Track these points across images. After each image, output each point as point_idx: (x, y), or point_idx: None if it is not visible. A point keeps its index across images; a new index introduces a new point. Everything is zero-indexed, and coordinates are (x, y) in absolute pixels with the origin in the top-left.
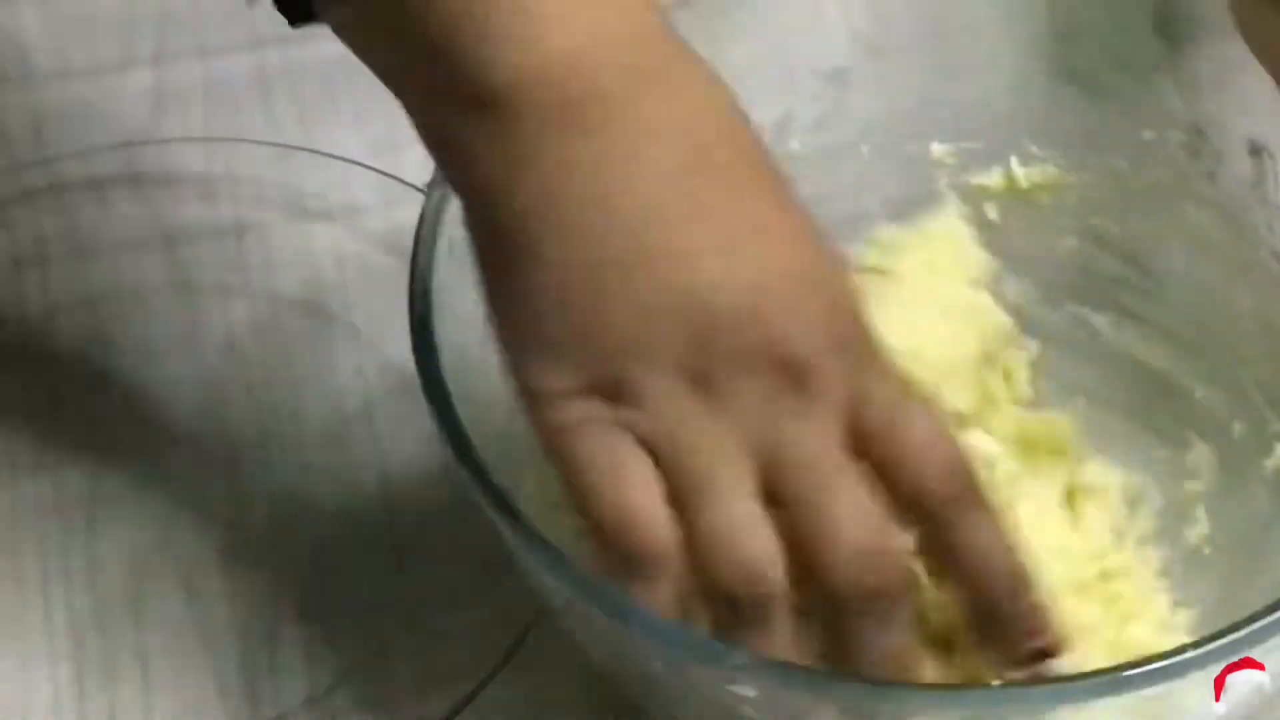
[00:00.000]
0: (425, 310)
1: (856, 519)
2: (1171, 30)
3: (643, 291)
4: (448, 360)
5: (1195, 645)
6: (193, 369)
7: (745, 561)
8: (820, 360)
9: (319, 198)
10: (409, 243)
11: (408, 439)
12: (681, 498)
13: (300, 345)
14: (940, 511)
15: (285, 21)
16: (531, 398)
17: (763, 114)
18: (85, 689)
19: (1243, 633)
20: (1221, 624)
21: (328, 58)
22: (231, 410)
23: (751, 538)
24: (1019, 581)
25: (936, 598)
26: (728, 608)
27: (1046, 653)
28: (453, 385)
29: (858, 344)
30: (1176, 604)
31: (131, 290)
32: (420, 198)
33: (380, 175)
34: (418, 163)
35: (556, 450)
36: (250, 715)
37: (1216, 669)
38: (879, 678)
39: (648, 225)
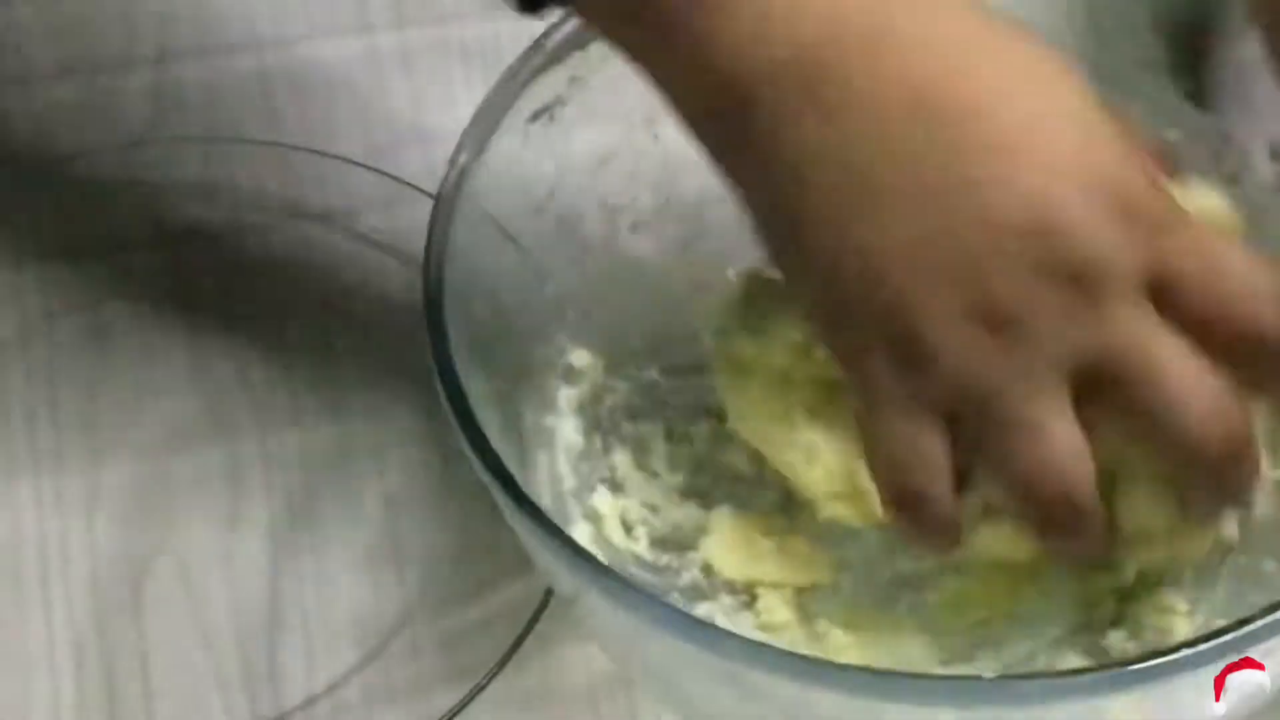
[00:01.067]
0: (438, 294)
1: (1195, 384)
2: (1195, 33)
3: (911, 234)
4: (460, 349)
5: (1194, 643)
6: (192, 369)
7: (1066, 497)
8: (1112, 251)
9: (319, 198)
10: (409, 243)
11: (408, 438)
12: (989, 449)
13: (299, 346)
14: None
15: (285, 22)
16: (844, 369)
17: None
18: (85, 689)
19: (1242, 631)
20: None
21: (328, 58)
22: (231, 410)
23: (1065, 472)
24: None
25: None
26: (1044, 521)
27: None
28: (462, 370)
29: (1146, 211)
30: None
31: (131, 292)
32: (420, 197)
33: (380, 175)
34: (417, 163)
35: (862, 431)
36: (250, 715)
37: (1216, 668)
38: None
39: (894, 167)
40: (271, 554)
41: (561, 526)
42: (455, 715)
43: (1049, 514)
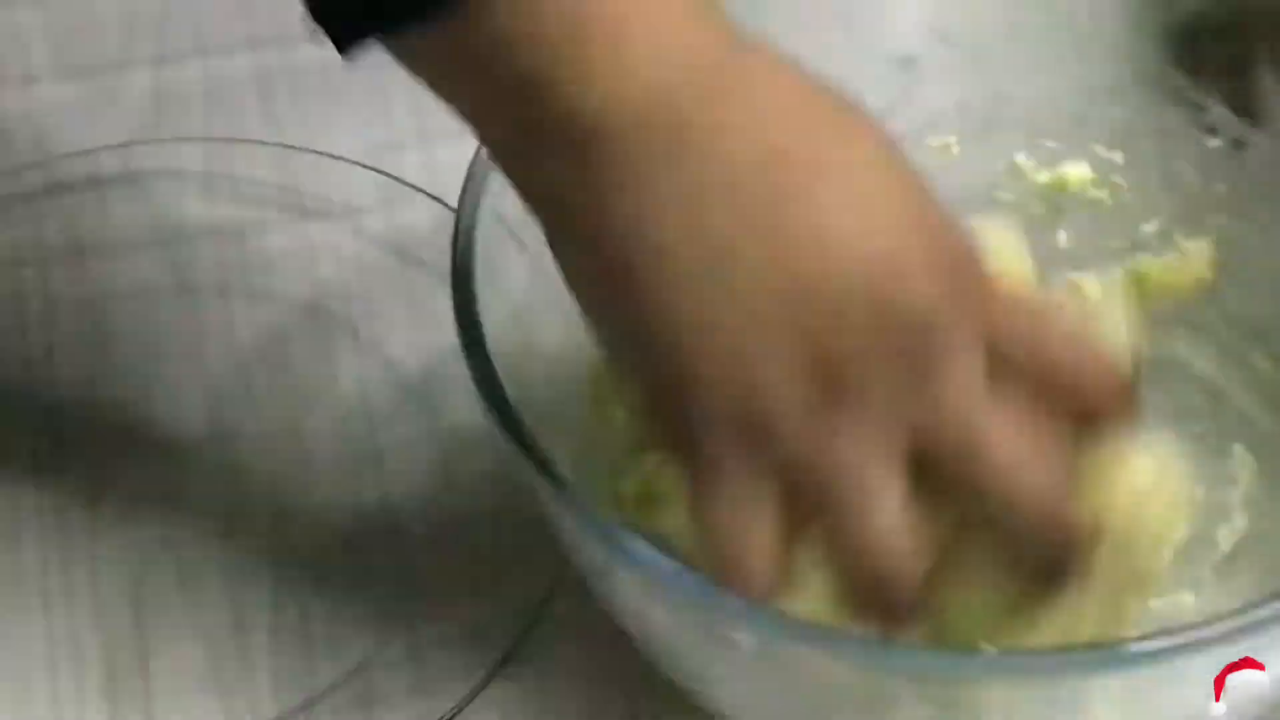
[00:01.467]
0: (467, 266)
1: (1022, 457)
2: (1223, 41)
3: (746, 302)
4: (493, 337)
5: (1196, 626)
6: (192, 369)
7: (883, 580)
8: (947, 318)
9: (319, 198)
10: (409, 242)
11: (407, 437)
12: (821, 520)
13: (300, 345)
14: (1107, 421)
15: (284, 22)
16: (673, 444)
17: None
18: (85, 690)
19: (1246, 619)
20: None
21: (328, 58)
22: (231, 410)
23: (887, 555)
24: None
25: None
26: (860, 598)
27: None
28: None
29: (976, 284)
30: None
31: (131, 290)
32: (420, 197)
33: (380, 175)
34: (418, 163)
35: (694, 502)
36: (251, 715)
37: (1217, 658)
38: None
39: (736, 238)
40: (271, 553)
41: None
42: (455, 715)
43: (865, 593)
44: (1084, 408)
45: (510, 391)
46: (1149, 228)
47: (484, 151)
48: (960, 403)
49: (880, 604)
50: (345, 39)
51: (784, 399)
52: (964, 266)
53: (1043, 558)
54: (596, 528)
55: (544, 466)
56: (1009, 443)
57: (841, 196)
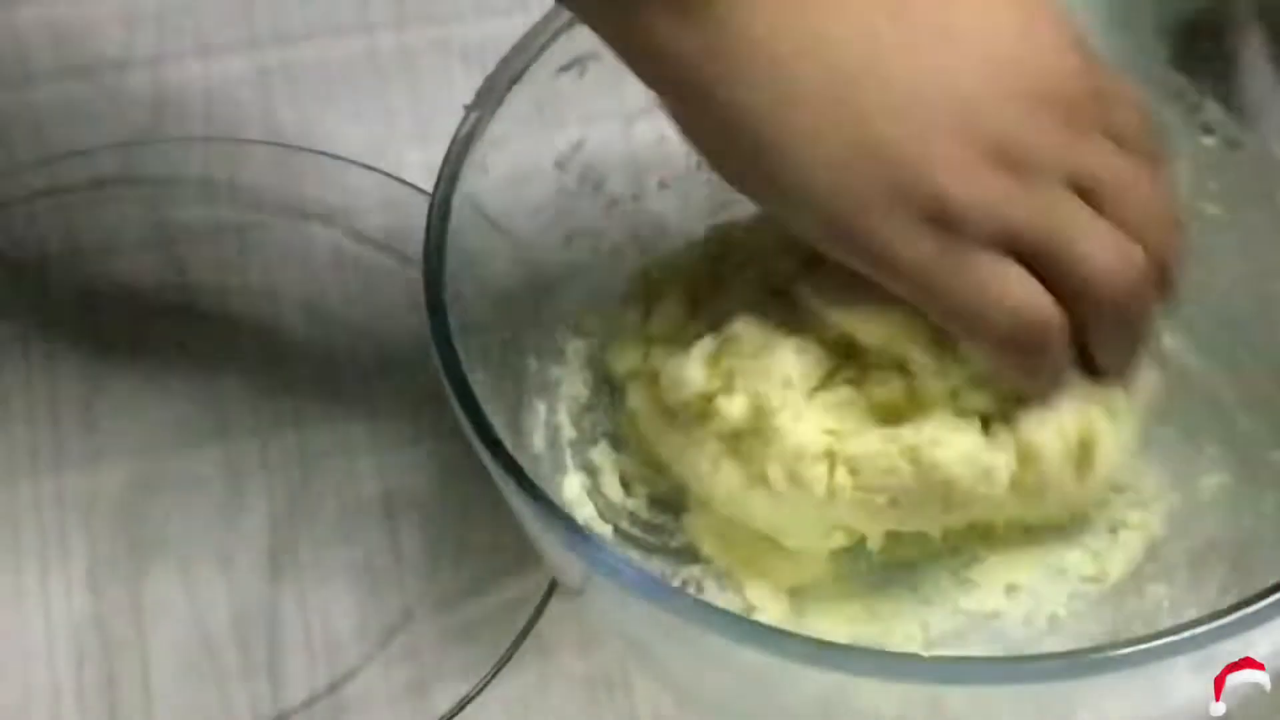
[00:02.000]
0: (438, 279)
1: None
2: (1220, 40)
3: (905, 92)
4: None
5: (1179, 629)
6: (192, 369)
7: (1140, 278)
8: (1083, 97)
9: (318, 198)
10: (407, 242)
11: (407, 438)
12: (1063, 261)
13: (299, 344)
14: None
15: (285, 22)
16: (859, 242)
17: None
18: (85, 690)
19: (1228, 619)
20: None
21: (328, 58)
22: (231, 411)
23: (1133, 257)
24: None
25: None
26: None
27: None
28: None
29: (1105, 84)
30: (1175, 602)
31: (131, 290)
32: (419, 197)
33: (379, 175)
34: (417, 163)
35: (923, 288)
36: (251, 715)
37: (1200, 656)
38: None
39: (879, 35)
40: (271, 554)
41: (553, 474)
42: (455, 715)
43: (1132, 299)
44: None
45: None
46: None
47: (455, 147)
48: (1104, 159)
49: (1139, 307)
50: None
51: (961, 177)
52: (1095, 72)
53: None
54: (549, 518)
55: (512, 466)
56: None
57: (988, 16)
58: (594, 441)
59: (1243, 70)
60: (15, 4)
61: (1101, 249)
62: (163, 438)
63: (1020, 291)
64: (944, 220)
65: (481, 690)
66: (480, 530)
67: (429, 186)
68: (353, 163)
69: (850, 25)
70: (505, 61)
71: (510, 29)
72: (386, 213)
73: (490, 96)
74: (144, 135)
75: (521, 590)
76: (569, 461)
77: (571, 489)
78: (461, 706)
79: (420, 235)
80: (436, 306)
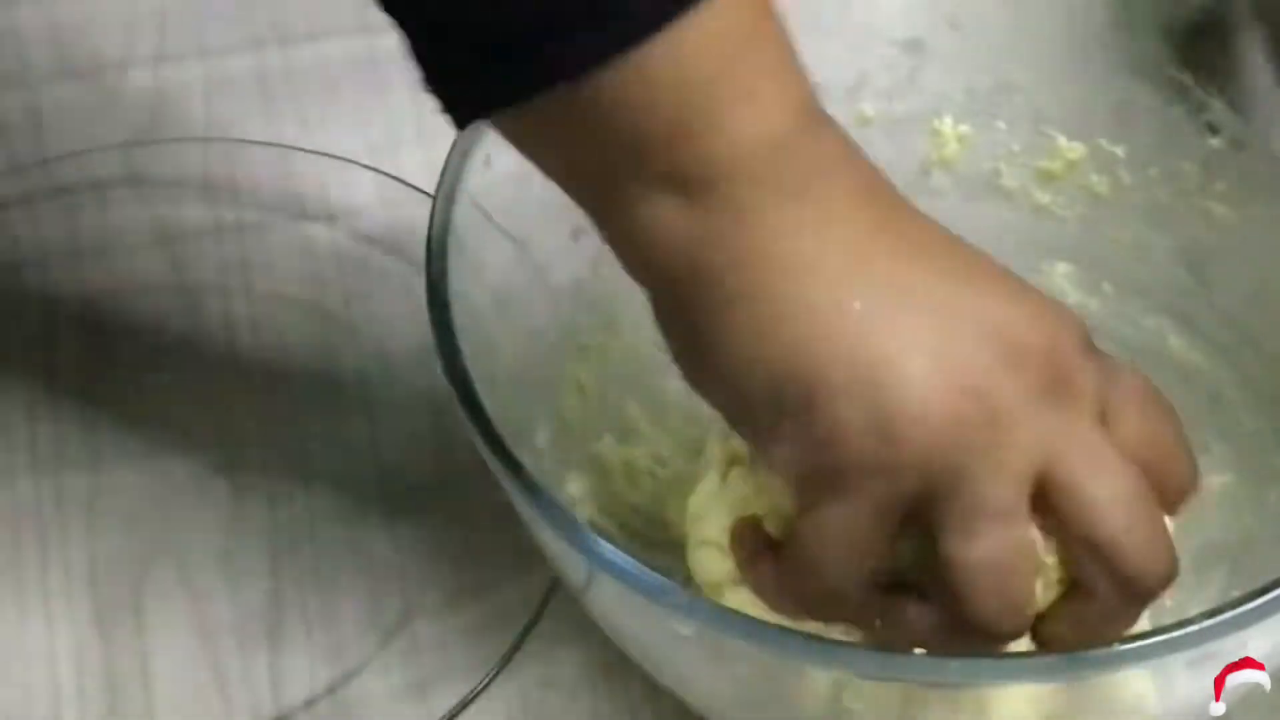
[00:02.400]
0: (441, 277)
1: (1142, 503)
2: (1226, 38)
3: (916, 379)
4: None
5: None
6: (193, 368)
7: (1010, 594)
8: (1082, 369)
9: (318, 198)
10: (407, 242)
11: (406, 436)
12: (950, 527)
13: (300, 344)
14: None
15: (284, 22)
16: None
17: (836, 75)
18: (85, 689)
19: (1223, 617)
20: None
21: (328, 59)
22: (231, 409)
23: (1017, 568)
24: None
25: None
26: (979, 610)
27: None
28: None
29: (1099, 359)
30: (1179, 604)
31: (132, 289)
32: (419, 197)
33: (379, 175)
34: (416, 163)
35: (970, 585)
36: (251, 715)
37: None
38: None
39: (911, 276)
40: (271, 554)
41: (558, 470)
42: (456, 715)
43: (987, 605)
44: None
45: (483, 376)
46: (1142, 217)
47: (458, 146)
48: (1089, 436)
49: (1000, 621)
50: (461, 115)
51: (926, 394)
52: (1090, 347)
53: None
54: (551, 514)
55: (514, 466)
56: (1128, 474)
57: (995, 270)
58: (598, 437)
59: (1246, 70)
60: (16, 4)
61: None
62: (163, 437)
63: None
64: (887, 430)
65: (482, 691)
66: (482, 531)
67: (428, 186)
68: (352, 163)
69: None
70: None
71: None
72: (386, 212)
73: None
74: (145, 135)
75: (522, 590)
76: (573, 458)
77: (576, 486)
78: (462, 707)
79: (420, 235)
80: (439, 303)
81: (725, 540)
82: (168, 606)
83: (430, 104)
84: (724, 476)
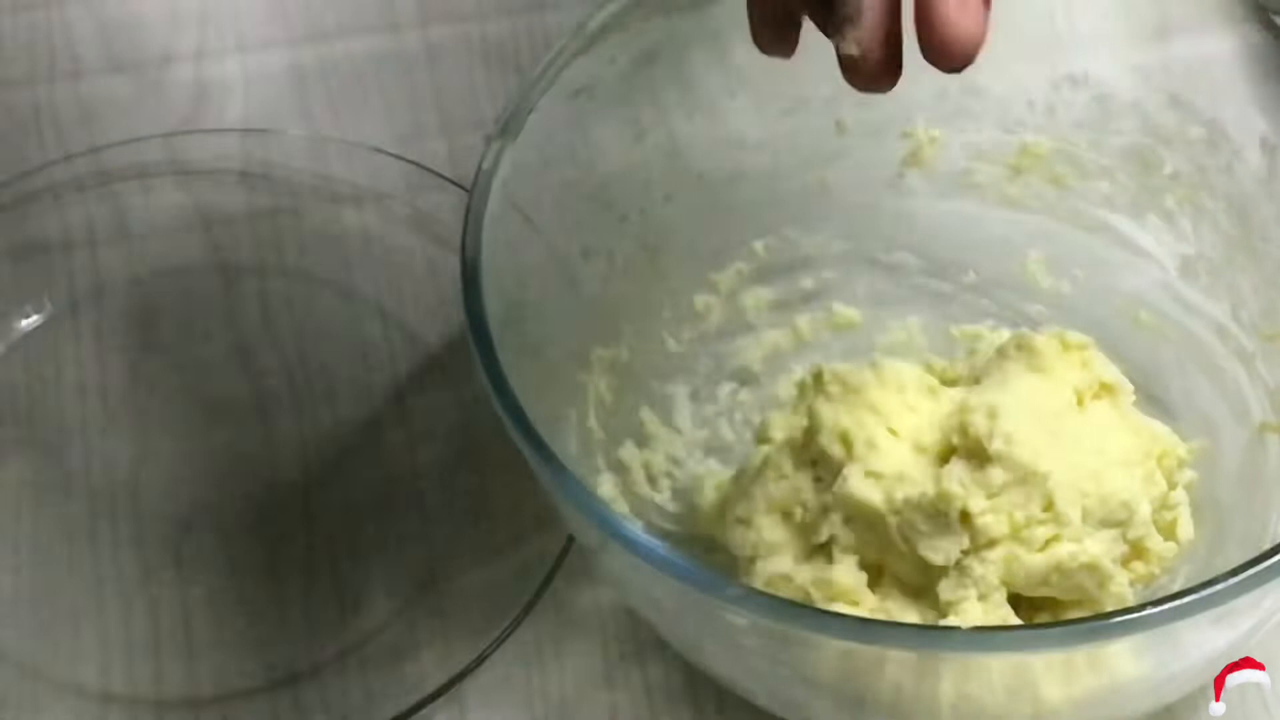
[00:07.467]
0: (475, 257)
1: None
2: (1196, 25)
3: None
4: (493, 308)
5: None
6: (231, 343)
7: None
8: None
9: (349, 184)
10: (433, 225)
11: (431, 406)
12: None
13: (331, 322)
14: None
15: (317, 21)
16: None
17: (815, 89)
18: (132, 642)
19: (1210, 590)
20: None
21: (359, 54)
22: (267, 383)
23: None
24: None
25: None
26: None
27: None
28: (495, 333)
29: None
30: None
31: (174, 270)
32: (442, 183)
33: (406, 163)
34: (441, 152)
35: None
36: (285, 669)
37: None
38: None
39: None
40: (304, 516)
41: (589, 475)
42: (477, 666)
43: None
44: None
45: (511, 366)
46: (1105, 200)
47: (494, 145)
48: None
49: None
50: None
51: None
52: None
53: None
54: (583, 501)
55: (544, 452)
56: None
57: None
58: (620, 442)
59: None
60: (66, 3)
61: None
62: (203, 407)
63: None
64: None
65: (501, 643)
66: (500, 494)
67: (451, 173)
68: (381, 151)
69: None
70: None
71: (527, 27)
72: (412, 198)
73: (530, 87)
74: (187, 125)
75: (538, 551)
76: (600, 462)
77: (606, 487)
78: (484, 658)
79: (445, 220)
80: (473, 287)
81: (754, 519)
82: (208, 566)
83: (453, 97)
84: (759, 462)
